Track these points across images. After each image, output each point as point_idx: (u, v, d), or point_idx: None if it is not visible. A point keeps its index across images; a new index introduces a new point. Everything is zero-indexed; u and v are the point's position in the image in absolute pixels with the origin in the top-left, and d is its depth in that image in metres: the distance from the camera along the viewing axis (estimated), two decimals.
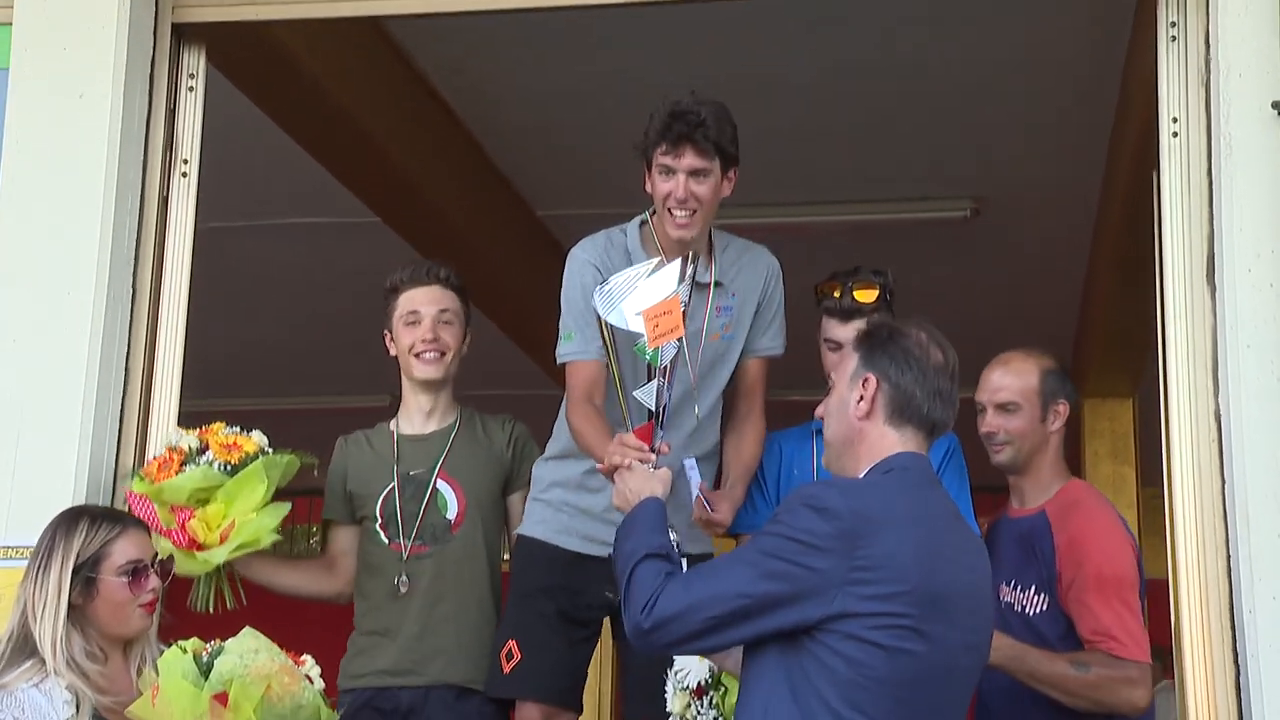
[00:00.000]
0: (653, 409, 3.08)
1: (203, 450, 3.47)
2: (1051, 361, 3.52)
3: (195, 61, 3.96)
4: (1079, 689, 3.26)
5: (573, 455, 3.54)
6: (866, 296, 3.65)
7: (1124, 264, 5.69)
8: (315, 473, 3.63)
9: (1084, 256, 6.56)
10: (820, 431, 3.65)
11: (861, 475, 2.78)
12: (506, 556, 3.75)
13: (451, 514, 3.67)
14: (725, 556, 2.76)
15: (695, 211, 3.36)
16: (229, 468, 3.44)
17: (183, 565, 3.44)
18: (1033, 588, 3.39)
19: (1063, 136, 5.59)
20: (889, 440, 2.78)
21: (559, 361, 3.51)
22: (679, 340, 3.06)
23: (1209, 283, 3.41)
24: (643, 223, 3.54)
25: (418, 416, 3.74)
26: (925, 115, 5.48)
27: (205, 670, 3.06)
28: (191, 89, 3.94)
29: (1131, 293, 5.81)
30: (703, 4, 3.94)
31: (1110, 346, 6.70)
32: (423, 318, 3.69)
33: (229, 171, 4.43)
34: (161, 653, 3.15)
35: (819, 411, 2.95)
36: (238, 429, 3.52)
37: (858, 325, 3.62)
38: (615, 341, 3.33)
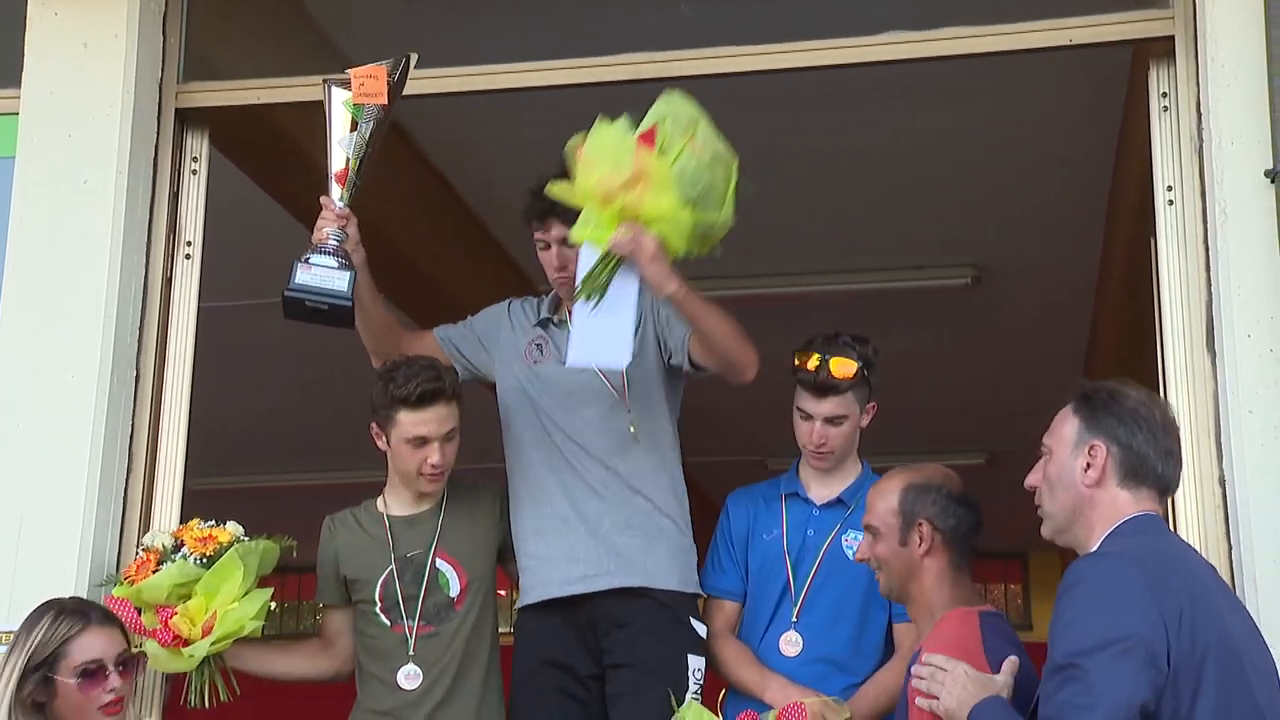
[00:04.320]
0: (349, 158, 3.42)
1: (178, 548, 3.47)
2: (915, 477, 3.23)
3: (198, 145, 4.00)
4: None
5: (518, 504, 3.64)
6: (844, 371, 3.51)
7: (1125, 329, 5.70)
8: (294, 554, 3.61)
9: (1085, 322, 6.58)
10: (790, 495, 3.64)
11: (1095, 544, 2.68)
12: (504, 629, 3.75)
13: (454, 591, 3.64)
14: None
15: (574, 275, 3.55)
16: (204, 560, 3.43)
17: (171, 664, 3.44)
18: None
19: (1061, 205, 5.62)
20: (1122, 503, 2.70)
21: None
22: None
23: (1209, 349, 3.42)
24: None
25: (408, 498, 3.71)
26: (926, 186, 5.52)
27: None
28: (195, 172, 3.98)
29: (1134, 358, 5.83)
30: (703, 79, 3.97)
31: None
32: (431, 440, 3.55)
33: (231, 250, 4.45)
34: None
35: (1030, 481, 2.81)
36: (212, 522, 3.52)
37: (834, 402, 3.54)
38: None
